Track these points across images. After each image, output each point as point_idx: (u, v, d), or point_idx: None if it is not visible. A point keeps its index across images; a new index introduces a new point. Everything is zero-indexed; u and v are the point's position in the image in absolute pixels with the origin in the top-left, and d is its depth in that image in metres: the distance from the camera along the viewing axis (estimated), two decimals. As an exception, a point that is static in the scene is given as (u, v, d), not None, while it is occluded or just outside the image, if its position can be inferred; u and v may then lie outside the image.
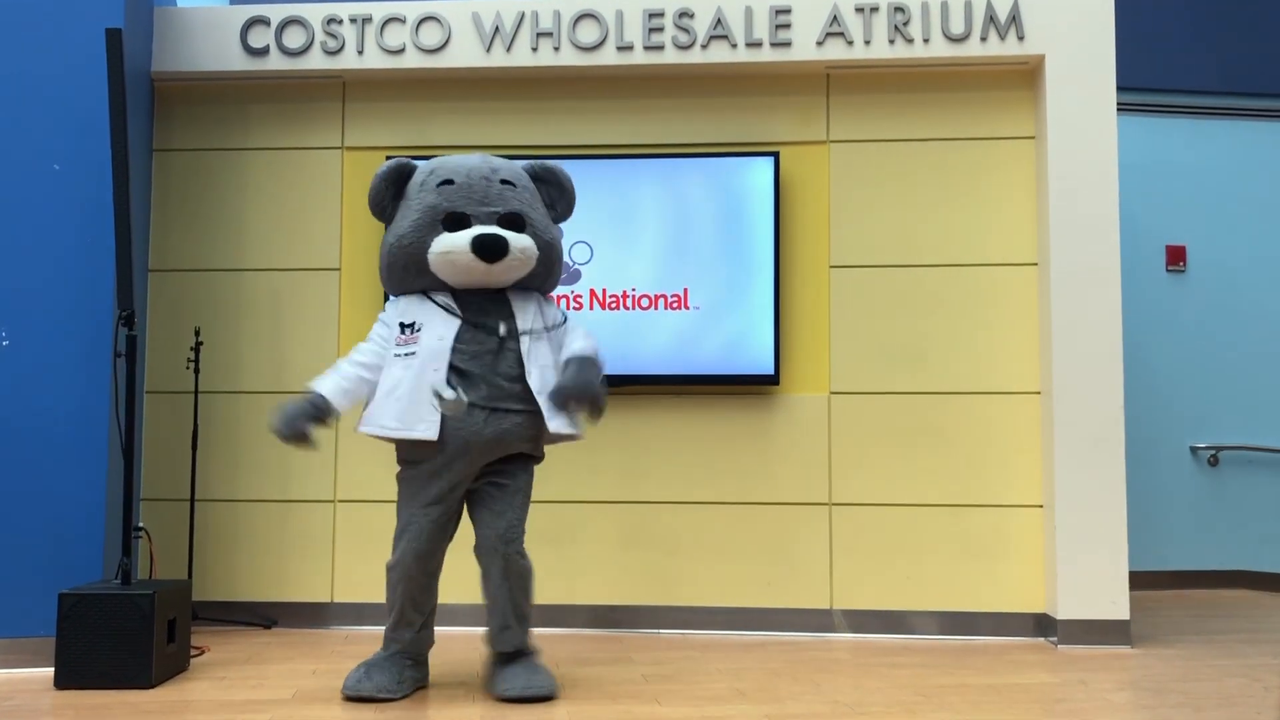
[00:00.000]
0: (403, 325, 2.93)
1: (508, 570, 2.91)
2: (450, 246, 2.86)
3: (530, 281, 2.99)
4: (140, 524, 3.67)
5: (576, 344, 2.98)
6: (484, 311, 2.91)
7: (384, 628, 3.02)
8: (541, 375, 2.92)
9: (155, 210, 4.22)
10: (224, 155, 4.24)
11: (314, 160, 4.23)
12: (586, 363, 2.92)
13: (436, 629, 3.08)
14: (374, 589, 4.05)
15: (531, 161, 3.12)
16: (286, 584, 4.11)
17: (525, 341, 2.91)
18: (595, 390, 2.88)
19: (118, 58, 3.35)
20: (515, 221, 2.94)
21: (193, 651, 3.44)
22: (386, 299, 3.15)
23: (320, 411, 2.87)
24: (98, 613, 3.07)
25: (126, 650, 3.05)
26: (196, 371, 4.01)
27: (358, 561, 4.09)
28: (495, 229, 2.87)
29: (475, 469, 2.91)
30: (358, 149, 4.23)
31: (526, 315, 2.95)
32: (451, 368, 2.85)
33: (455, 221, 2.90)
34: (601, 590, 4.07)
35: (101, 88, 3.46)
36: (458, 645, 3.52)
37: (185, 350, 4.06)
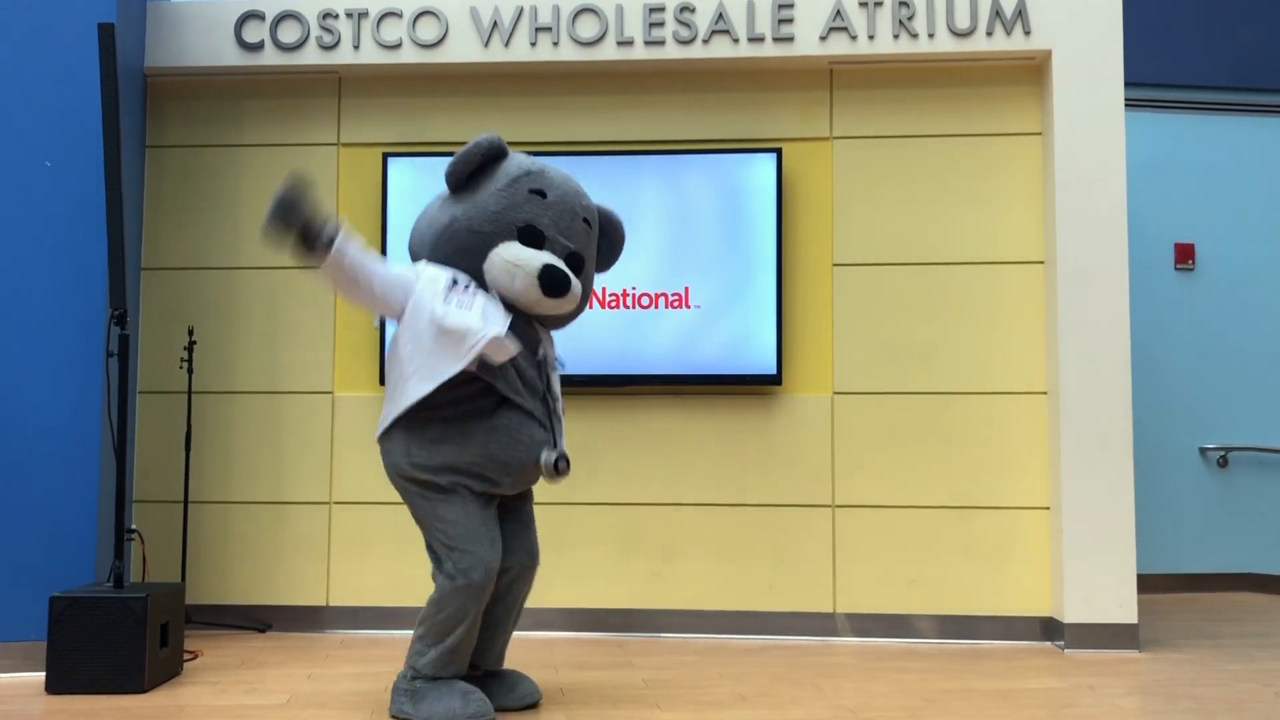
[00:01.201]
0: (455, 280, 2.74)
1: (529, 584, 2.91)
2: (520, 260, 2.72)
3: (557, 323, 2.95)
4: (133, 526, 3.66)
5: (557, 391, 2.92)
6: (524, 325, 2.79)
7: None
8: (556, 399, 2.89)
9: (148, 207, 4.22)
10: (218, 151, 4.24)
11: (309, 157, 4.23)
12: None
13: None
14: (370, 593, 4.09)
15: (602, 207, 3.03)
16: (281, 587, 4.11)
17: (551, 372, 2.89)
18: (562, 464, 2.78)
19: (110, 52, 3.35)
20: (578, 264, 2.87)
21: (186, 656, 3.44)
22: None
23: (315, 232, 2.55)
24: (89, 617, 3.07)
25: (119, 655, 3.05)
26: (190, 371, 4.01)
27: (354, 565, 4.09)
28: (564, 266, 2.77)
29: (514, 473, 2.78)
30: (353, 145, 4.23)
31: (550, 347, 2.93)
32: (513, 367, 2.73)
33: (530, 237, 2.79)
34: (601, 594, 4.07)
35: (93, 83, 3.46)
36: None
37: (178, 350, 4.05)
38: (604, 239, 3.04)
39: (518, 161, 2.88)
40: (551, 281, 2.72)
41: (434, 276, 2.74)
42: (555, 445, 2.79)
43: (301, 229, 2.54)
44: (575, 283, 2.78)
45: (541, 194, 2.82)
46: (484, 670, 2.90)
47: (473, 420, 2.72)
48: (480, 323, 2.66)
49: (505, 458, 2.72)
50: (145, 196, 4.22)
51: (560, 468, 2.74)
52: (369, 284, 2.67)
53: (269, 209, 2.52)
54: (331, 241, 2.57)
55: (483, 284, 2.78)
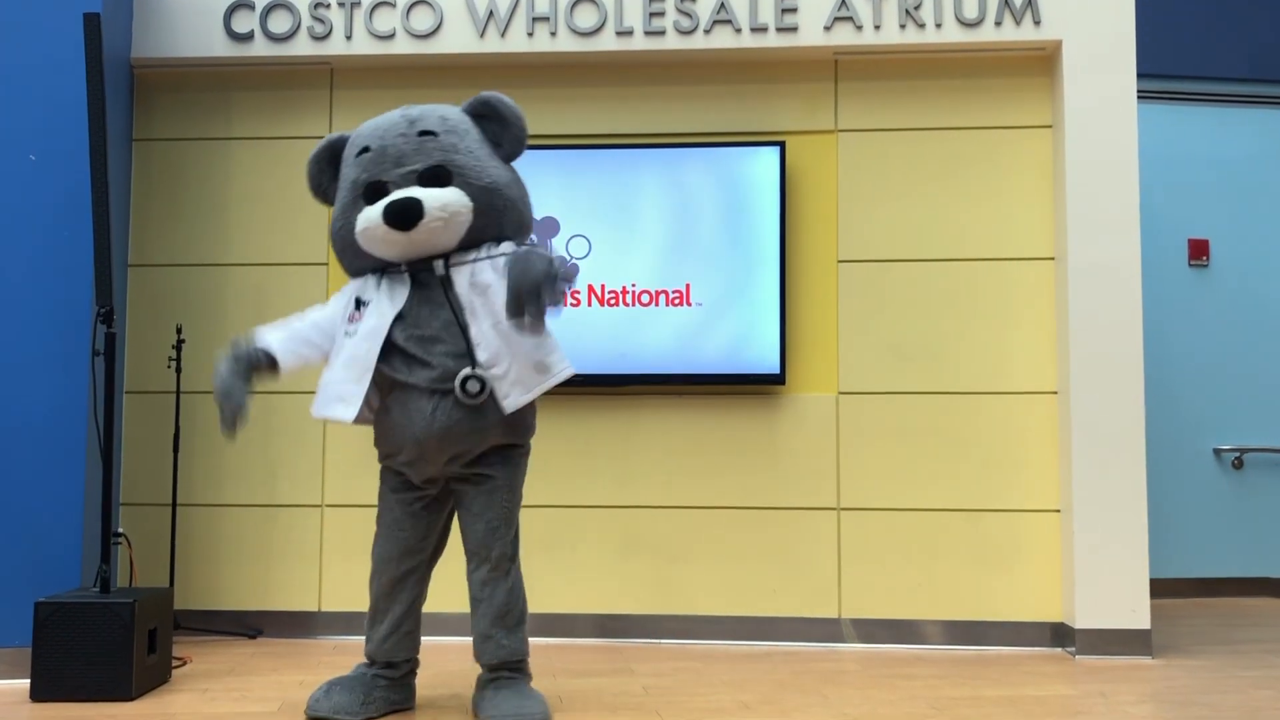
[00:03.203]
0: (358, 301, 2.83)
1: (487, 577, 2.82)
2: (366, 222, 2.73)
3: (480, 235, 2.78)
4: (120, 530, 3.67)
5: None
6: (428, 284, 2.76)
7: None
8: (489, 337, 2.70)
9: (135, 202, 4.22)
10: (207, 145, 4.24)
11: (301, 150, 4.17)
12: (517, 258, 2.60)
13: (427, 638, 3.03)
14: (363, 598, 4.07)
15: (470, 99, 2.91)
16: (272, 592, 4.11)
17: (463, 297, 2.72)
18: (535, 277, 2.51)
19: (96, 43, 3.35)
20: (439, 175, 2.73)
21: (174, 662, 3.44)
22: None
23: (261, 372, 2.83)
24: (75, 622, 3.07)
25: (105, 661, 3.05)
26: (178, 370, 4.01)
27: (346, 569, 4.09)
28: (408, 191, 2.70)
29: (441, 466, 2.78)
30: (346, 139, 4.22)
31: (463, 273, 2.75)
32: (397, 350, 2.73)
33: (375, 193, 2.75)
34: (600, 599, 4.07)
35: (79, 75, 3.45)
36: (451, 656, 3.52)
37: (166, 348, 4.05)
38: (489, 123, 2.89)
39: (349, 139, 2.90)
40: (395, 215, 2.68)
41: (332, 316, 2.88)
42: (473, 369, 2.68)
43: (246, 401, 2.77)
44: (434, 196, 2.69)
45: (366, 149, 2.80)
46: (482, 670, 2.89)
47: (380, 410, 2.84)
48: (330, 391, 2.80)
49: (389, 438, 2.80)
50: (132, 191, 4.22)
51: (469, 388, 2.65)
52: (321, 349, 2.88)
53: (222, 411, 2.75)
54: (273, 363, 2.84)
55: (386, 270, 2.82)
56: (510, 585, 2.84)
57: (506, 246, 2.80)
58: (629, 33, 4.08)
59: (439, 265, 2.76)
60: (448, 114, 2.87)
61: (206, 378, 4.13)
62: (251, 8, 4.12)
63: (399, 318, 2.75)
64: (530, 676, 2.92)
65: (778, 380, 4.06)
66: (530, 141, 2.98)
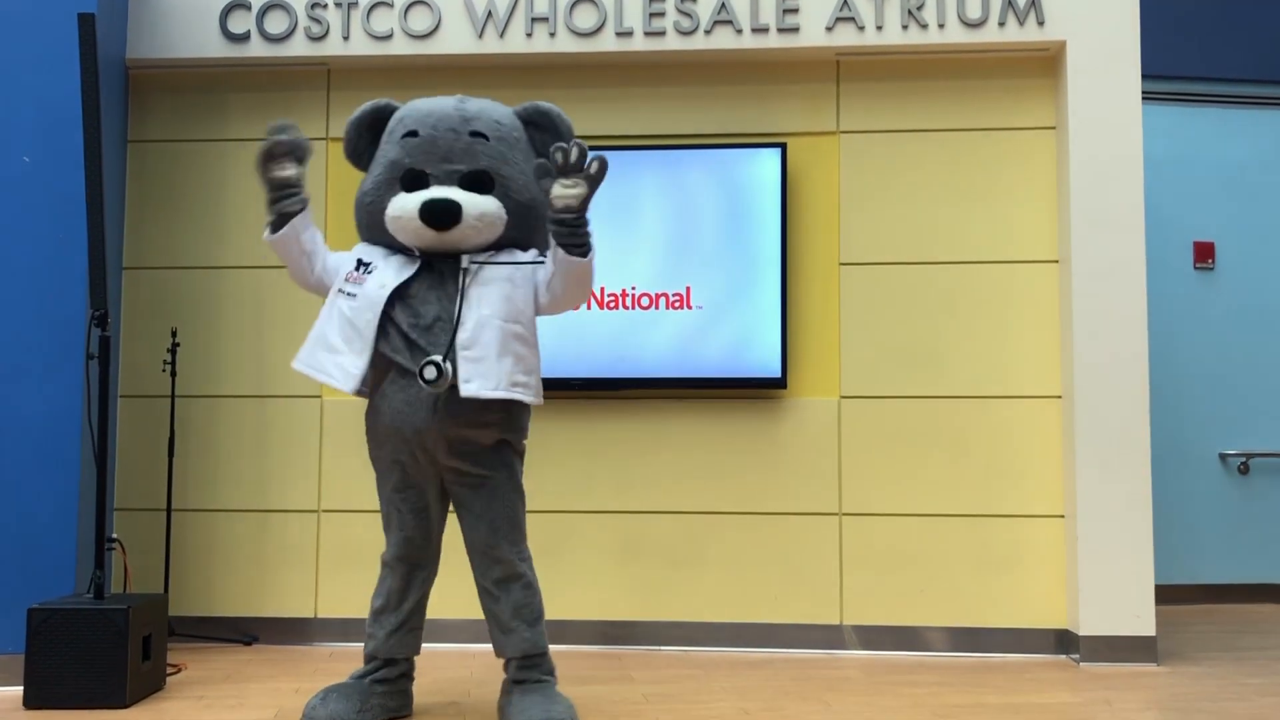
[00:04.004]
0: (360, 262, 2.82)
1: (501, 575, 2.82)
2: (401, 210, 2.75)
3: (507, 244, 2.82)
4: (114, 535, 3.66)
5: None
6: (441, 271, 2.76)
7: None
8: (479, 324, 2.68)
9: (130, 204, 4.23)
10: (202, 146, 4.25)
11: (297, 152, 4.23)
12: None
13: (425, 645, 3.03)
14: (360, 604, 4.06)
15: (526, 104, 2.93)
16: (267, 598, 4.11)
17: (467, 285, 2.71)
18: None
19: (90, 44, 3.35)
20: (482, 181, 2.77)
21: (169, 669, 3.44)
22: None
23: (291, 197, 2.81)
24: (69, 629, 3.07)
25: (99, 668, 3.05)
26: (173, 374, 4.01)
27: (342, 575, 4.09)
28: (449, 193, 2.72)
29: (434, 462, 2.78)
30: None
31: (482, 271, 2.76)
32: (399, 332, 2.72)
33: (414, 181, 2.78)
34: (599, 605, 4.07)
35: (73, 75, 3.46)
36: (448, 662, 3.52)
37: (161, 352, 4.05)
38: (540, 133, 2.91)
39: (396, 114, 2.92)
40: (432, 214, 2.70)
41: (337, 265, 2.87)
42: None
43: (282, 182, 2.77)
44: (473, 202, 2.72)
45: (414, 134, 2.81)
46: (508, 674, 2.88)
47: (374, 395, 2.83)
48: (317, 346, 2.79)
49: (387, 423, 2.78)
50: (127, 193, 4.23)
51: (425, 374, 2.61)
52: (311, 268, 2.88)
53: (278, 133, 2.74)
54: (291, 215, 2.79)
55: (403, 250, 2.82)
56: (525, 582, 2.85)
57: (527, 254, 2.85)
58: (629, 33, 4.08)
59: (465, 259, 2.76)
60: (501, 118, 2.88)
61: (202, 381, 4.16)
62: (248, 8, 4.13)
63: (399, 294, 2.75)
64: (556, 678, 2.93)
65: (779, 384, 4.06)
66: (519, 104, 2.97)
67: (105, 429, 3.31)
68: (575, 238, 2.71)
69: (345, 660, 3.77)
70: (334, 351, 2.76)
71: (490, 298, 2.74)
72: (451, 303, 2.72)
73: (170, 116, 4.26)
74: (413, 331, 2.72)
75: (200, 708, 3.10)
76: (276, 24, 4.13)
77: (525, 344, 2.78)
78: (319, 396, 4.16)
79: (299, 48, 4.13)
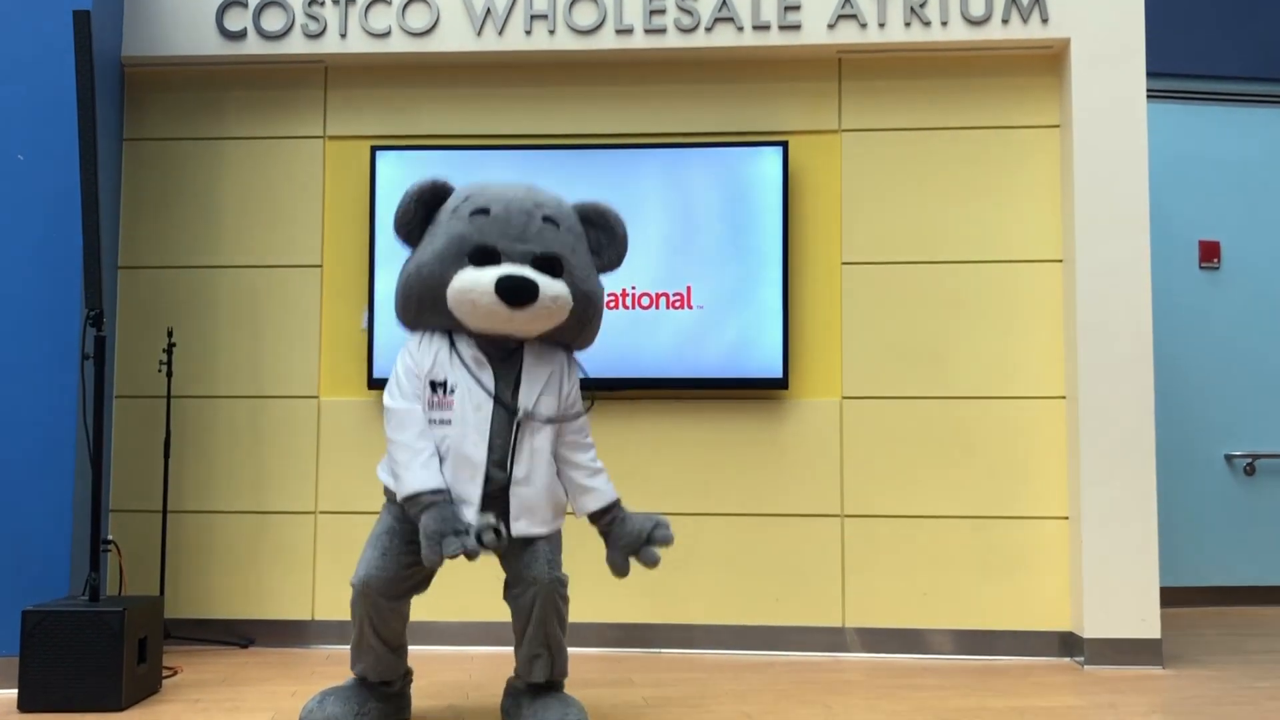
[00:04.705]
0: (433, 385, 2.76)
1: (544, 598, 2.80)
2: (472, 285, 2.69)
3: (559, 335, 2.83)
4: (109, 537, 3.67)
5: (598, 483, 2.92)
6: (503, 379, 2.77)
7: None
8: (533, 454, 2.77)
9: (125, 203, 4.23)
10: (198, 145, 4.25)
11: (294, 150, 4.23)
12: (633, 521, 2.94)
13: (423, 648, 3.02)
14: (357, 606, 4.09)
15: (582, 202, 2.95)
16: (264, 600, 4.11)
17: (521, 422, 2.75)
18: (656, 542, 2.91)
19: (86, 41, 3.35)
20: (552, 265, 2.76)
21: (165, 672, 3.44)
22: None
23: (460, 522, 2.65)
24: (63, 631, 3.06)
25: (94, 671, 3.05)
26: (169, 375, 4.01)
27: (340, 577, 4.07)
28: (526, 271, 2.70)
29: None
30: (340, 138, 4.23)
31: (533, 388, 2.79)
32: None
33: (484, 257, 2.72)
34: (599, 607, 4.06)
35: (68, 73, 3.46)
36: (446, 665, 3.51)
37: (157, 352, 4.06)
38: (596, 231, 2.95)
39: (457, 191, 2.87)
40: (511, 289, 2.67)
41: (421, 414, 2.74)
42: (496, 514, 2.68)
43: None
44: (548, 284, 2.71)
45: (485, 211, 2.77)
46: (524, 682, 2.88)
47: None
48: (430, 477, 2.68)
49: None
50: (122, 192, 4.23)
51: (485, 539, 2.59)
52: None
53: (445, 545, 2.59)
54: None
55: (467, 333, 2.78)
56: (557, 608, 2.86)
57: (573, 399, 2.89)
58: (629, 31, 4.08)
59: (524, 406, 2.77)
60: (568, 211, 2.89)
61: (198, 382, 4.16)
62: (244, 5, 4.13)
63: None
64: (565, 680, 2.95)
65: (780, 384, 4.06)
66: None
67: (100, 430, 3.31)
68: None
69: (342, 663, 3.75)
70: (458, 489, 2.71)
71: (545, 427, 2.79)
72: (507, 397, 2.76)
73: (166, 114, 4.26)
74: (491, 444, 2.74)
75: (196, 711, 3.10)
76: (273, 21, 4.13)
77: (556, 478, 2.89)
78: (316, 397, 4.16)
79: (296, 45, 4.13)
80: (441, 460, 2.71)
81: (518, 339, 2.80)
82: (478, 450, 2.71)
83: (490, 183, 2.88)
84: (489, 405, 2.73)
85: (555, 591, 2.83)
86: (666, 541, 2.91)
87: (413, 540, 2.72)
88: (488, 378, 2.76)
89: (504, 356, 2.79)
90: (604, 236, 2.94)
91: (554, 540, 2.90)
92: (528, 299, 2.68)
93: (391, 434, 2.75)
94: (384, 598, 2.77)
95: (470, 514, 2.67)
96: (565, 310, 2.77)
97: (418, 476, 2.66)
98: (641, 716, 3.06)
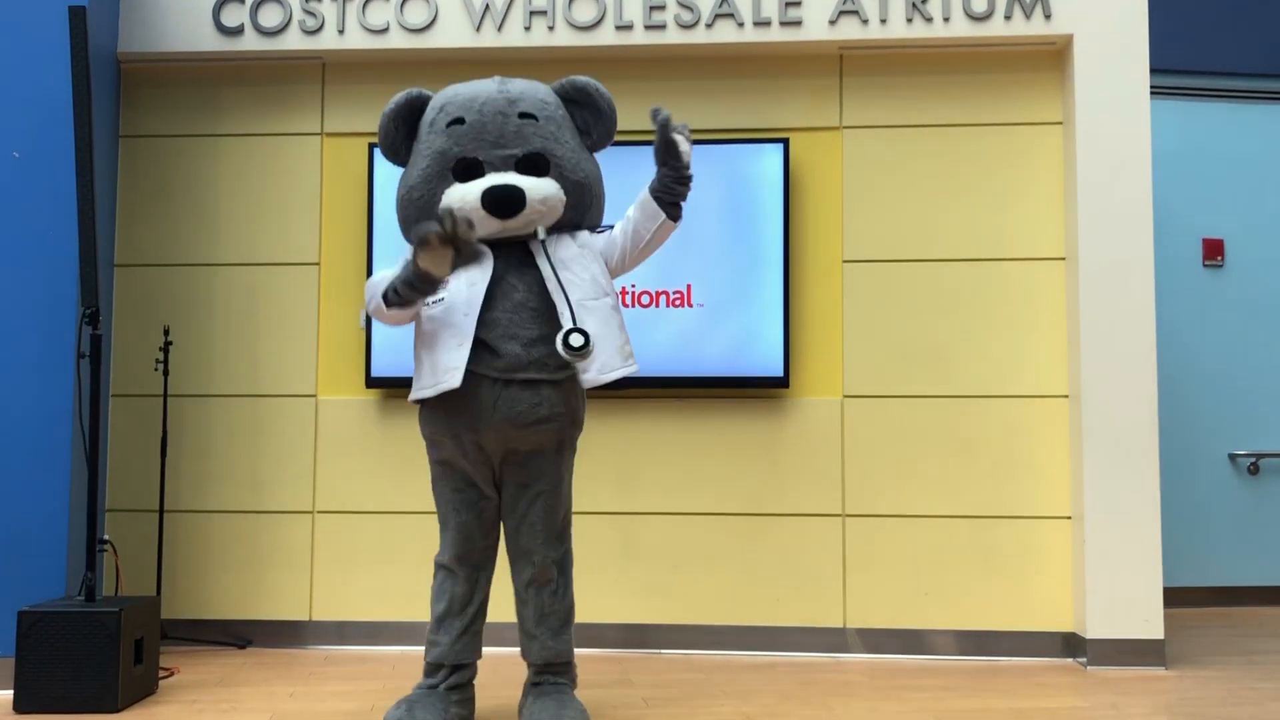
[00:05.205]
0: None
1: (531, 579, 2.84)
2: (459, 202, 2.70)
3: (562, 226, 2.83)
4: (105, 536, 3.67)
5: (630, 210, 2.86)
6: (514, 258, 2.75)
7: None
8: (579, 308, 2.70)
9: (121, 200, 4.23)
10: (195, 142, 4.24)
11: (292, 147, 4.23)
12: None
13: (487, 649, 2.97)
14: (355, 606, 4.09)
15: (561, 81, 2.90)
16: (261, 601, 4.11)
17: (550, 273, 2.71)
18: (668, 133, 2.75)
19: (81, 37, 3.35)
20: (537, 163, 2.77)
21: (161, 673, 3.44)
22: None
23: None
24: (59, 632, 3.07)
25: (90, 672, 3.05)
26: (165, 373, 4.01)
27: (338, 577, 4.09)
28: (510, 178, 2.71)
29: (493, 455, 2.78)
30: (338, 135, 4.23)
31: (544, 256, 2.76)
32: (481, 322, 2.69)
33: (467, 170, 2.75)
34: (598, 607, 4.06)
35: (64, 69, 3.46)
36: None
37: (153, 351, 4.05)
38: (581, 109, 2.92)
39: (433, 102, 2.86)
40: (496, 202, 2.69)
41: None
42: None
43: (435, 281, 2.62)
44: (535, 186, 2.71)
45: (460, 120, 2.77)
46: (530, 673, 2.91)
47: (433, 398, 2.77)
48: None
49: (444, 420, 2.74)
50: (119, 189, 4.22)
51: (571, 341, 2.61)
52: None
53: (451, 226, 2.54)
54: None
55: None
56: (553, 589, 2.88)
57: (584, 235, 2.88)
58: (629, 27, 4.08)
59: (541, 231, 2.76)
60: (546, 97, 2.86)
61: (195, 380, 4.16)
62: (241, 1, 4.12)
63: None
64: (575, 683, 2.95)
65: (781, 383, 4.06)
66: (555, 81, 2.96)
67: (96, 429, 3.32)
68: (683, 194, 2.82)
69: (340, 664, 3.77)
70: (446, 357, 2.69)
71: (577, 281, 2.76)
72: (536, 289, 2.73)
73: (163, 111, 4.25)
74: (481, 327, 2.69)
75: (193, 712, 3.10)
76: (271, 17, 4.13)
77: (619, 310, 2.84)
78: (314, 396, 4.15)
79: (293, 41, 4.13)
80: (429, 341, 2.73)
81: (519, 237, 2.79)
82: (467, 322, 2.69)
83: (460, 86, 2.86)
84: (484, 281, 2.71)
85: (550, 573, 2.86)
86: (662, 119, 2.79)
87: (477, 510, 2.81)
88: (487, 260, 2.73)
89: (512, 251, 2.77)
90: (589, 114, 2.92)
91: (558, 479, 2.88)
92: (517, 208, 2.70)
93: (367, 299, 2.80)
94: (473, 567, 2.83)
95: (456, 379, 2.66)
96: (559, 207, 2.78)
97: (385, 277, 2.70)
98: (642, 717, 3.06)
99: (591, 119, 2.92)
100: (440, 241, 2.54)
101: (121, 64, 4.20)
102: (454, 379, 2.67)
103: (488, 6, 4.08)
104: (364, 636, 4.05)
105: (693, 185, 2.87)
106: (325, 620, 4.09)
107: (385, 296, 2.68)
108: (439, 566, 2.89)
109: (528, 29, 4.08)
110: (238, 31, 4.13)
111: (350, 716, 3.05)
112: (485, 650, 2.94)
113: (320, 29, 4.12)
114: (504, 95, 2.80)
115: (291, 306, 4.19)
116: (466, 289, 2.73)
